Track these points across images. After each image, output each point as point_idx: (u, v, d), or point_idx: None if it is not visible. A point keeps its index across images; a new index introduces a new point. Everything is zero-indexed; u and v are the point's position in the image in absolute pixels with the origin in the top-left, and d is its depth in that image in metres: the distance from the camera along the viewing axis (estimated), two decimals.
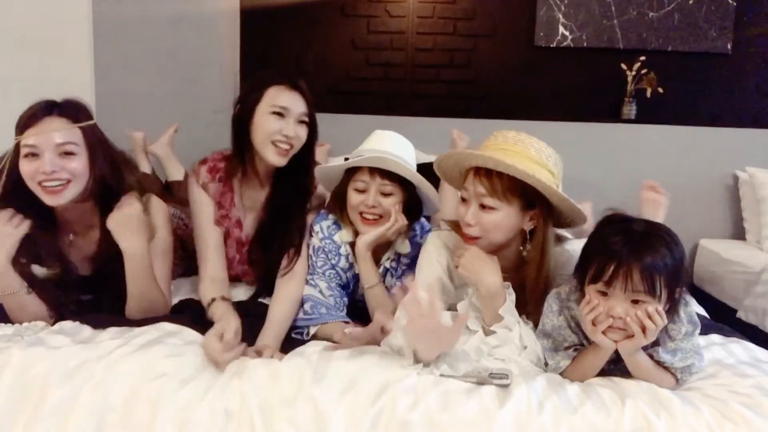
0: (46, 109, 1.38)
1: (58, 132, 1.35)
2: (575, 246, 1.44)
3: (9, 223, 1.36)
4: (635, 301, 1.13)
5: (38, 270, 1.43)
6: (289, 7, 3.37)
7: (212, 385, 1.15)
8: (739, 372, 1.26)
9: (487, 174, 1.31)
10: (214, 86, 3.26)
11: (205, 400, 1.13)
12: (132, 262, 1.42)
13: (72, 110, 1.41)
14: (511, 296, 1.34)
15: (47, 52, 2.42)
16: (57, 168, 1.35)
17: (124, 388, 1.15)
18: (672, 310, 1.17)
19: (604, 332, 1.15)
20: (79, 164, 1.38)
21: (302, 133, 1.61)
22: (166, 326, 1.38)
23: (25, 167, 1.36)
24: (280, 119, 1.56)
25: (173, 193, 2.40)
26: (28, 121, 1.36)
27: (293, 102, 1.58)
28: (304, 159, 1.66)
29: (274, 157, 1.58)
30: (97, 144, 1.43)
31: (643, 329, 1.12)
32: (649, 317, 1.11)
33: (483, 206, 1.32)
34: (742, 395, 1.14)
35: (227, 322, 1.35)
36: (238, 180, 1.67)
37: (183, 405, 1.12)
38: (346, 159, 1.82)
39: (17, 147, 1.36)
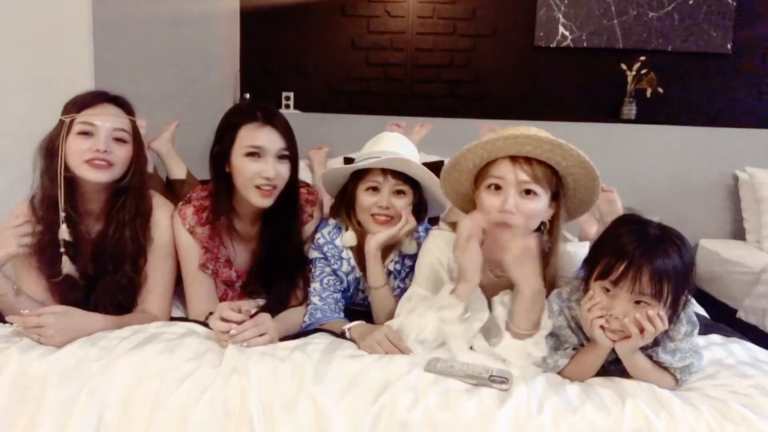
0: (103, 96, 1.46)
1: (116, 117, 1.44)
2: (574, 248, 1.44)
3: (17, 229, 1.38)
4: (638, 302, 1.13)
5: (68, 267, 1.43)
6: (289, 8, 3.37)
7: (211, 383, 1.15)
8: (739, 372, 1.26)
9: (527, 161, 1.30)
10: (214, 86, 3.26)
11: (204, 397, 1.13)
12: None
13: (125, 103, 1.50)
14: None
15: (47, 52, 2.42)
16: (109, 149, 1.40)
17: (121, 387, 1.15)
18: (674, 314, 1.17)
19: (602, 328, 1.15)
20: (126, 153, 1.45)
21: (283, 170, 1.50)
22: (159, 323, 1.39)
23: (76, 144, 1.39)
24: (257, 160, 1.46)
25: (175, 192, 2.37)
26: (86, 102, 1.42)
27: (268, 139, 1.46)
28: (291, 189, 1.57)
29: (258, 200, 1.49)
30: (139, 139, 1.50)
31: (641, 331, 1.12)
32: (650, 320, 1.11)
33: (526, 193, 1.30)
34: (742, 395, 1.14)
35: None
36: (226, 217, 1.57)
37: (182, 403, 1.12)
38: (346, 159, 1.81)
39: (70, 124, 1.39)
